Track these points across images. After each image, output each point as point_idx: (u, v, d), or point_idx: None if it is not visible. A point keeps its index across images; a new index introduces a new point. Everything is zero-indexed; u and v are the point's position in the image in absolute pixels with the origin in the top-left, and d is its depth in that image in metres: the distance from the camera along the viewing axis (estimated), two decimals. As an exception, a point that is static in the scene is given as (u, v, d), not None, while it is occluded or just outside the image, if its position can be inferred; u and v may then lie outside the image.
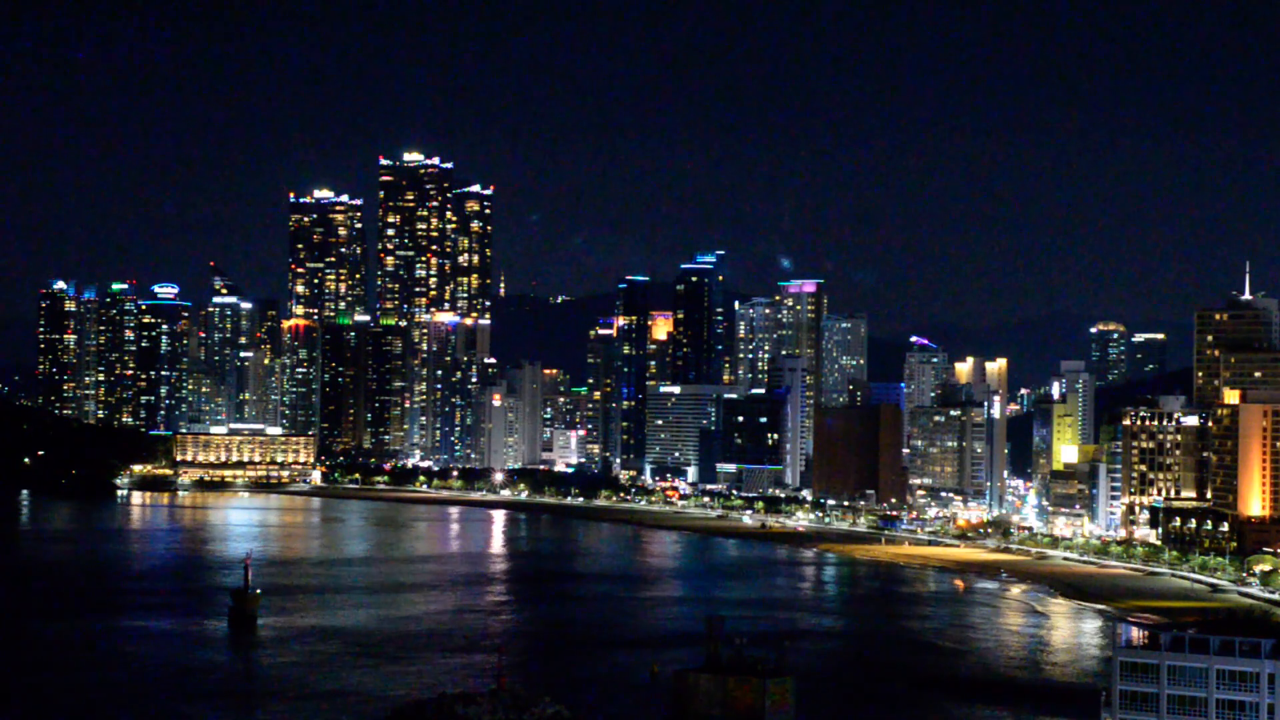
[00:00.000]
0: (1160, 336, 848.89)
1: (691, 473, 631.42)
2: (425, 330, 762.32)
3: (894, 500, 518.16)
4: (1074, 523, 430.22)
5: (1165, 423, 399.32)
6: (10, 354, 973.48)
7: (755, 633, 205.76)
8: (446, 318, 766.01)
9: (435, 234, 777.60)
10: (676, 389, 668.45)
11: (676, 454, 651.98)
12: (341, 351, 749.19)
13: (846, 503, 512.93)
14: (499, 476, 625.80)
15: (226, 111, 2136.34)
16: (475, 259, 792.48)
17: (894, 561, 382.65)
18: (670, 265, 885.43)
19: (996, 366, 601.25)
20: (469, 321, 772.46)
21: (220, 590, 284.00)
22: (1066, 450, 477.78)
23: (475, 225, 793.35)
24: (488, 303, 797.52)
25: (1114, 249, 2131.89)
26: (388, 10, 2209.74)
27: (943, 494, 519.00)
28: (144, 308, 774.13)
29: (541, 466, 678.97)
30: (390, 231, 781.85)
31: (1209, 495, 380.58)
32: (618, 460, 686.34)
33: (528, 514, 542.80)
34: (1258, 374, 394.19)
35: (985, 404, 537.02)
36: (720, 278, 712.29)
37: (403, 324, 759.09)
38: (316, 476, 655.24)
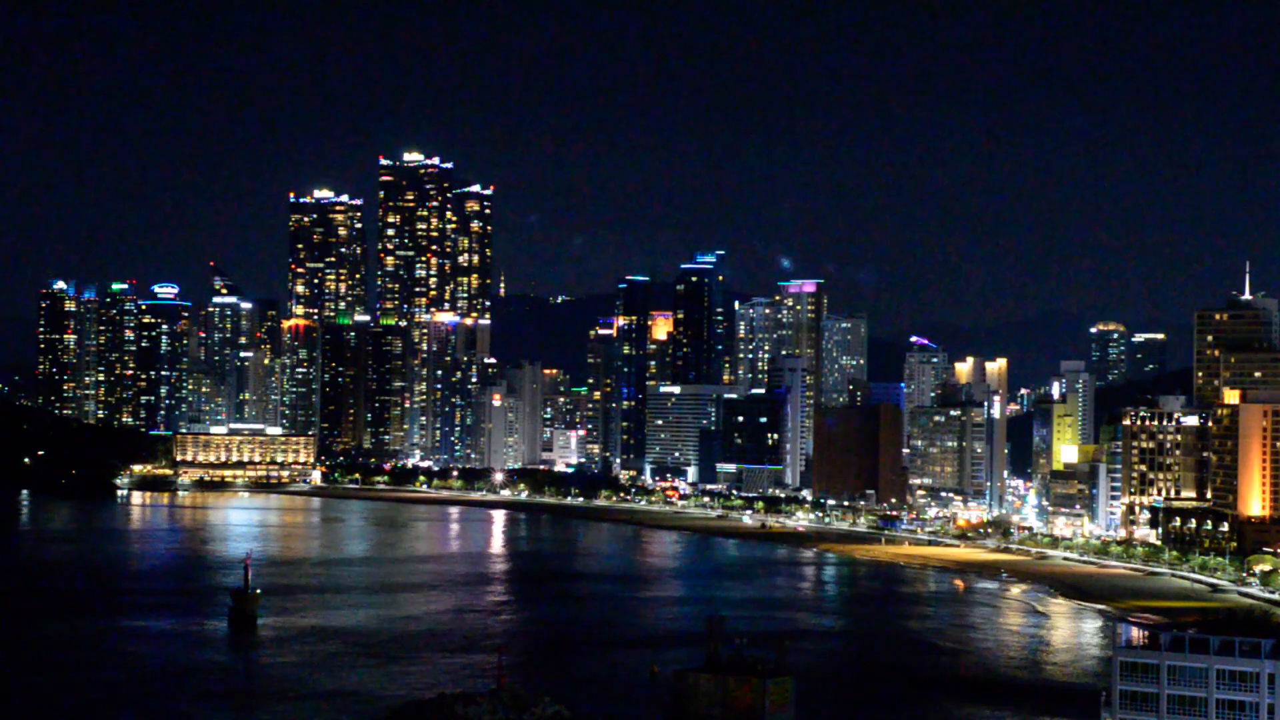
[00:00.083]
0: (1160, 336, 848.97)
1: (691, 473, 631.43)
2: (425, 330, 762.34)
3: (894, 500, 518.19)
4: (1074, 523, 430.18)
5: (1165, 423, 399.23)
6: (10, 354, 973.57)
7: (755, 633, 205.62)
8: (446, 318, 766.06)
9: (435, 234, 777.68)
10: (676, 389, 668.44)
11: (676, 454, 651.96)
12: (341, 351, 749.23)
13: (846, 503, 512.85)
14: (499, 476, 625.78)
15: (226, 111, 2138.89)
16: (475, 259, 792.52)
17: (894, 561, 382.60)
18: (670, 265, 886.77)
19: (996, 366, 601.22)
20: (469, 321, 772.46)
21: (220, 590, 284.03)
22: (1066, 450, 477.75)
23: (475, 225, 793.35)
24: (488, 303, 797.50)
25: (1114, 249, 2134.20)
26: (388, 10, 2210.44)
27: (943, 494, 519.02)
28: (144, 308, 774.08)
29: (541, 466, 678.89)
30: (390, 231, 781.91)
31: (1209, 495, 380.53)
32: (618, 460, 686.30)
33: (528, 514, 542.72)
34: (1258, 374, 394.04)
35: (985, 404, 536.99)
36: (720, 278, 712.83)
37: (403, 324, 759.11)
38: (316, 476, 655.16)
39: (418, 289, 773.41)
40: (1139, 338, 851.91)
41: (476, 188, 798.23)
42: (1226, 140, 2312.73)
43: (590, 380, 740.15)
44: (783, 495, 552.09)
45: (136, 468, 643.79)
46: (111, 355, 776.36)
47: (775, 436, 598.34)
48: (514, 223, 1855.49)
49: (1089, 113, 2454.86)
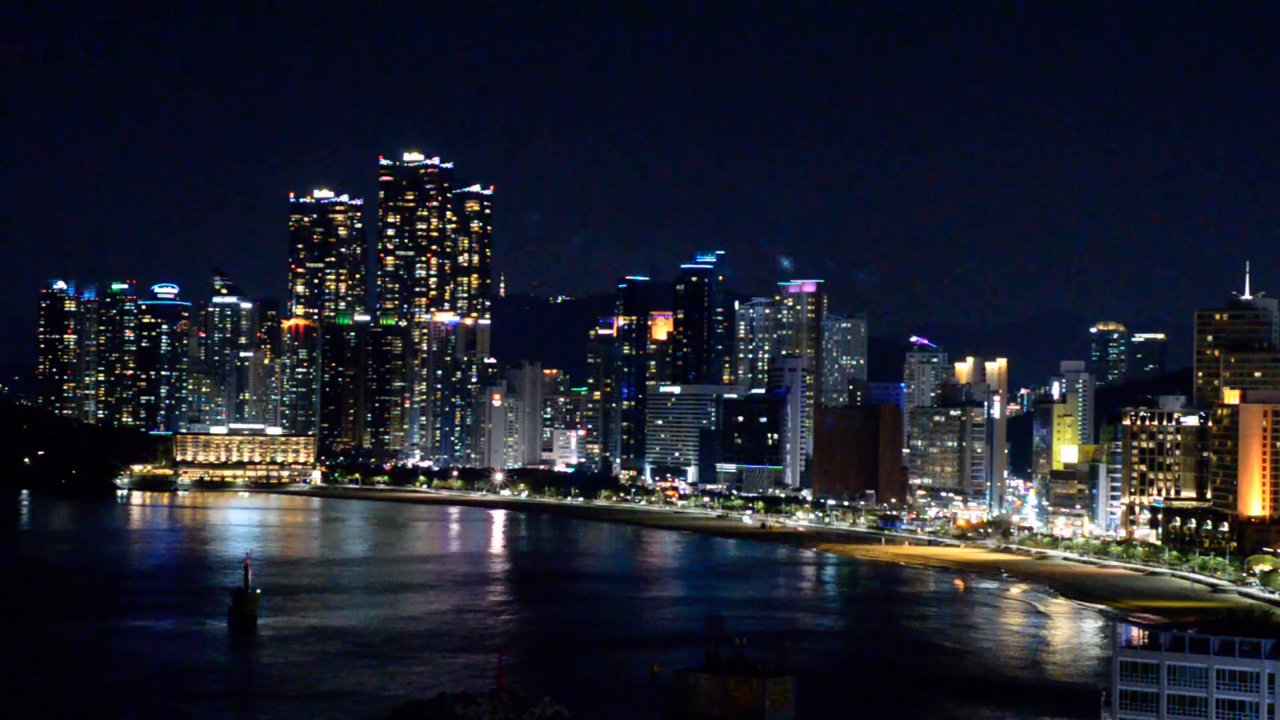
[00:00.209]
0: (1160, 336, 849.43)
1: (691, 473, 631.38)
2: (425, 330, 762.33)
3: (894, 500, 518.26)
4: (1074, 523, 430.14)
5: (1165, 423, 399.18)
6: (10, 354, 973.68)
7: (755, 633, 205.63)
8: (446, 318, 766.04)
9: (435, 234, 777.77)
10: (676, 389, 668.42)
11: (676, 454, 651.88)
12: (341, 351, 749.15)
13: (846, 503, 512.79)
14: (499, 476, 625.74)
15: (226, 111, 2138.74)
16: (475, 259, 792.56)
17: (894, 561, 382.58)
18: (670, 265, 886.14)
19: (996, 366, 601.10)
20: (469, 321, 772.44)
21: (220, 590, 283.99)
22: (1066, 450, 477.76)
23: (475, 225, 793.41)
24: (488, 303, 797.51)
25: (1114, 249, 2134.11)
26: (388, 10, 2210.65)
27: (943, 494, 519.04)
28: (144, 308, 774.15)
29: (541, 466, 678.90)
30: (390, 231, 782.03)
31: (1209, 495, 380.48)
32: (618, 460, 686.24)
33: (528, 514, 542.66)
34: (1258, 374, 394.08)
35: (985, 404, 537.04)
36: (720, 278, 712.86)
37: (403, 324, 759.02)
38: (316, 476, 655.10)
39: (418, 289, 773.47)
40: (1139, 338, 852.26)
41: (476, 188, 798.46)
42: (1226, 140, 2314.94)
43: (590, 380, 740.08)
44: (783, 495, 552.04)
45: (136, 468, 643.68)
46: (111, 355, 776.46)
47: (775, 436, 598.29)
48: (514, 223, 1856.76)
49: (1089, 113, 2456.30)
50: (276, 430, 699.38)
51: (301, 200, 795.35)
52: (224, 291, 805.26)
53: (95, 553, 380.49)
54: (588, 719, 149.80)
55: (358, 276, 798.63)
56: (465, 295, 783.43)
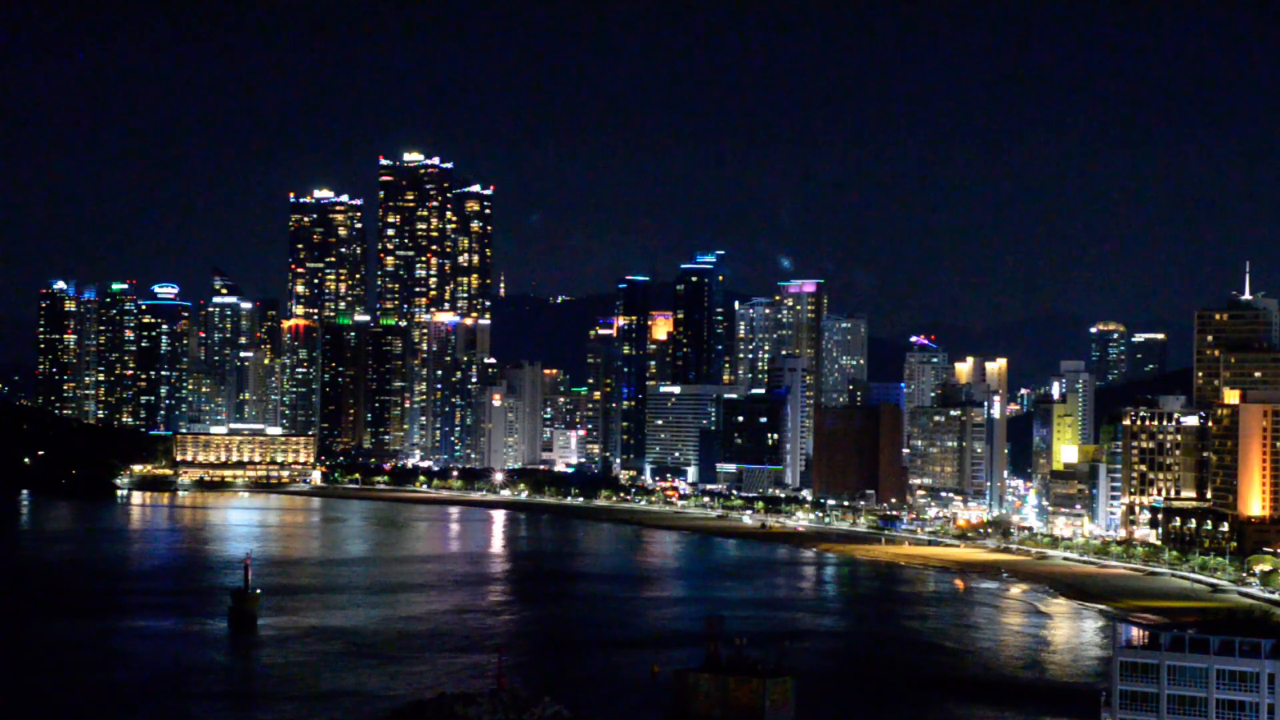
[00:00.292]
0: (1160, 336, 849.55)
1: (691, 473, 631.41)
2: (425, 330, 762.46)
3: (894, 500, 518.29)
4: (1074, 523, 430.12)
5: (1165, 423, 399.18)
6: (10, 354, 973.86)
7: (755, 633, 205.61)
8: (446, 318, 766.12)
9: (435, 234, 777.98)
10: (676, 389, 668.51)
11: (676, 454, 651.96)
12: (341, 351, 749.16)
13: (846, 503, 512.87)
14: (499, 476, 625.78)
15: (226, 111, 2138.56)
16: (475, 259, 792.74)
17: (894, 561, 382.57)
18: (670, 265, 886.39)
19: (996, 366, 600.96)
20: (469, 321, 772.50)
21: (220, 590, 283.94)
22: (1066, 450, 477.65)
23: (475, 225, 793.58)
24: (488, 303, 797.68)
25: (1114, 249, 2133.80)
26: (388, 11, 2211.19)
27: (943, 494, 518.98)
28: (144, 308, 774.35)
29: (541, 466, 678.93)
30: (390, 231, 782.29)
31: (1209, 495, 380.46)
32: (618, 460, 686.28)
33: (528, 514, 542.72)
34: (1258, 374, 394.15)
35: (985, 404, 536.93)
36: (720, 278, 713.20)
37: (403, 324, 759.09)
38: (316, 476, 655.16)
39: (418, 289, 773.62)
40: (1139, 338, 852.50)
41: (476, 188, 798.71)
42: (1226, 140, 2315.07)
43: (590, 380, 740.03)
44: (783, 495, 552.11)
45: (136, 468, 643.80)
46: (111, 355, 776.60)
47: (775, 436, 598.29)
48: (514, 223, 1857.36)
49: (1089, 113, 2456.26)
50: (276, 430, 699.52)
51: (301, 200, 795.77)
52: (224, 291, 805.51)
53: (95, 553, 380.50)
54: (588, 719, 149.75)
55: (358, 276, 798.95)
56: (465, 295, 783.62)
